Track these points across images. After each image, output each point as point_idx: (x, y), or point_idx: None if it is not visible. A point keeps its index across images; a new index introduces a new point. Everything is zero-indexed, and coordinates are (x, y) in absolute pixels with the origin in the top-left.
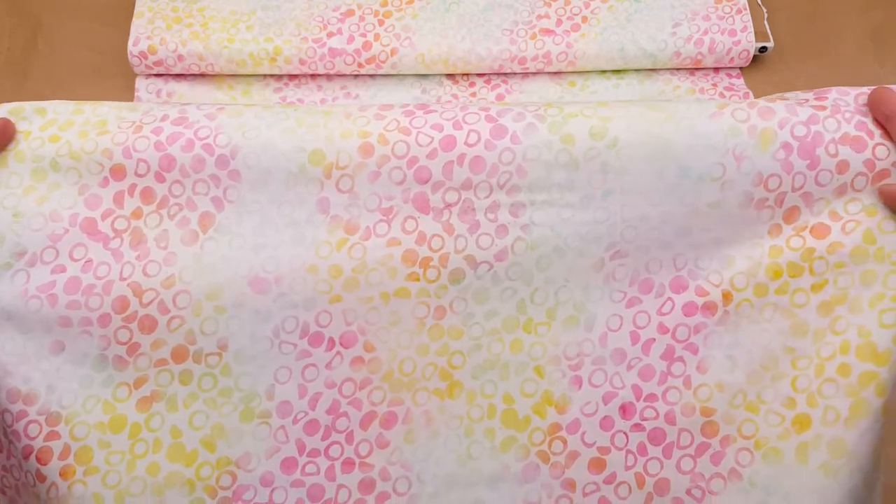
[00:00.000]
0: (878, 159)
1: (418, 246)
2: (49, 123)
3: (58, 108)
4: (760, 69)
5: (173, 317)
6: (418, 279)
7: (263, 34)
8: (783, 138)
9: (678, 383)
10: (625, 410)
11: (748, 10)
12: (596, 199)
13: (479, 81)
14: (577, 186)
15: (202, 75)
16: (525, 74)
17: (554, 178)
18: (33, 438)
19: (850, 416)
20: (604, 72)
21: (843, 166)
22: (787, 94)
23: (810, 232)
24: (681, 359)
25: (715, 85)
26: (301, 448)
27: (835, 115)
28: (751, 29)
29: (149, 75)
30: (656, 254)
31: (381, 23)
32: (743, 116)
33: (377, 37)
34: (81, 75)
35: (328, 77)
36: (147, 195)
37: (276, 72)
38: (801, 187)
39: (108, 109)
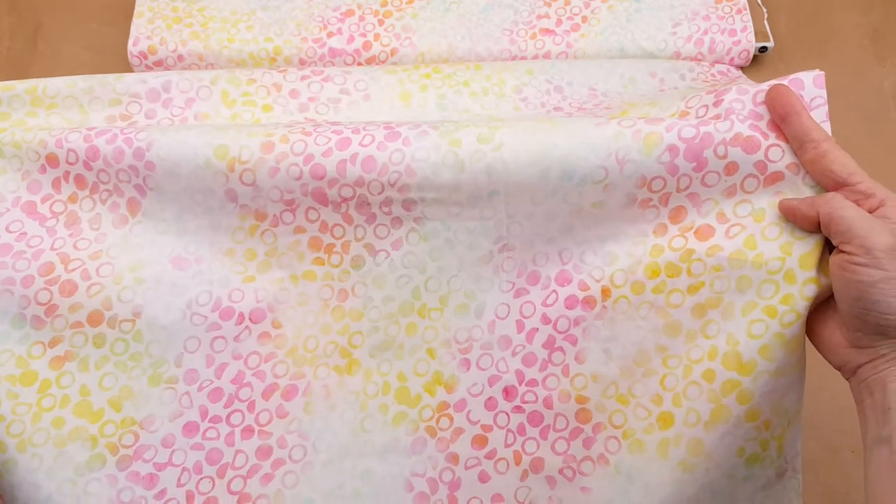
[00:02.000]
0: (771, 161)
1: (322, 234)
2: None
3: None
4: (760, 69)
5: (93, 283)
6: (323, 263)
7: (263, 34)
8: (669, 141)
9: (557, 371)
10: (507, 393)
11: (748, 10)
12: (482, 198)
13: None
14: (464, 186)
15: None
16: None
17: (441, 178)
18: None
19: (710, 420)
20: None
21: (731, 168)
22: (691, 100)
23: (694, 233)
24: (561, 349)
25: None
26: (203, 414)
27: (729, 116)
28: (751, 29)
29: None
30: (542, 248)
31: (381, 23)
32: (629, 123)
33: (377, 37)
34: (81, 75)
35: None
36: (80, 181)
37: None
38: (687, 188)
39: (51, 97)
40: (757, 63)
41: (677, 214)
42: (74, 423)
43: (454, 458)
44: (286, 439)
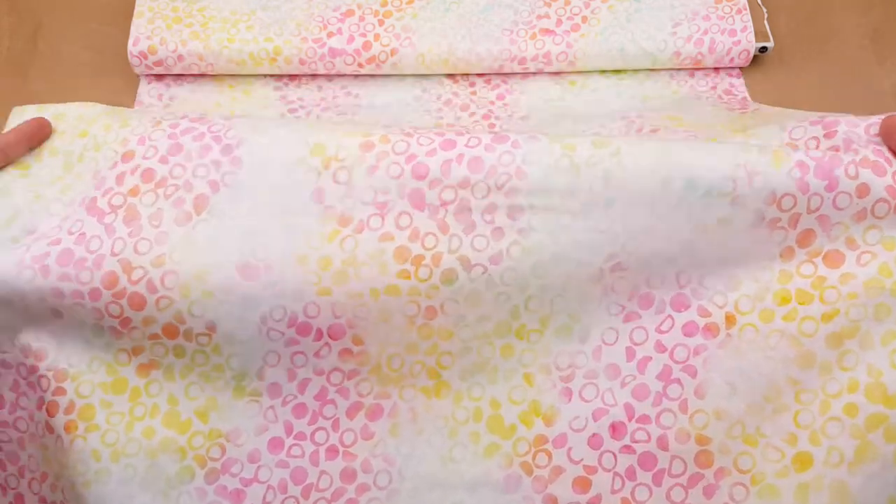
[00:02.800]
0: None
1: (411, 243)
2: (80, 120)
3: (92, 111)
4: (760, 69)
5: (161, 296)
6: (409, 277)
7: (263, 34)
8: (798, 157)
9: (674, 406)
10: (615, 430)
11: (748, 10)
12: (598, 206)
13: (479, 81)
14: (578, 193)
15: (202, 76)
16: (525, 74)
17: (554, 182)
18: (44, 391)
19: (855, 460)
20: (604, 72)
21: (863, 190)
22: (795, 133)
23: (823, 259)
24: (678, 381)
25: (714, 87)
26: (288, 429)
27: (850, 145)
28: (751, 29)
29: (149, 77)
30: (659, 268)
31: (381, 23)
32: (759, 131)
33: (377, 37)
34: (81, 75)
35: (328, 77)
36: (147, 175)
37: (276, 72)
38: (818, 209)
39: (133, 112)
40: (757, 63)
41: (806, 238)
42: (164, 434)
43: (552, 501)
44: (371, 463)
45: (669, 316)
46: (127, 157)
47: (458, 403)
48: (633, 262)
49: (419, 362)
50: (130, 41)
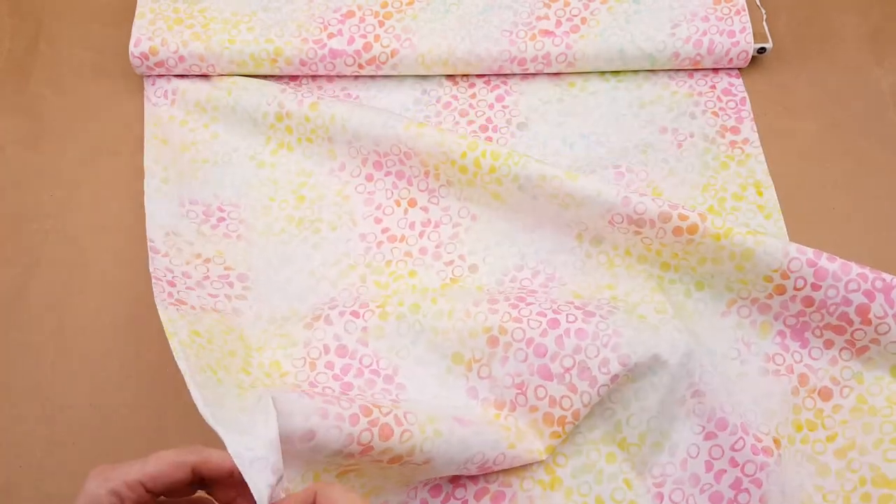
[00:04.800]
0: (857, 340)
1: (552, 408)
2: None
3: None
4: (759, 70)
5: (405, 430)
6: (559, 437)
7: (264, 35)
8: (778, 328)
9: None
10: None
11: (747, 11)
12: (677, 360)
13: (479, 82)
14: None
15: (203, 76)
16: (524, 75)
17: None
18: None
19: None
20: (603, 73)
21: (828, 344)
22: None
23: (819, 394)
24: (747, 490)
25: (714, 86)
26: None
27: (820, 310)
28: (750, 30)
29: (152, 76)
30: (727, 398)
31: (381, 24)
32: (746, 313)
33: (377, 38)
34: (83, 76)
35: (328, 78)
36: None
37: (277, 73)
38: (801, 361)
39: (273, 351)
40: (756, 64)
41: (803, 379)
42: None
43: None
44: None
45: (741, 437)
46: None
47: (568, 497)
48: (707, 390)
49: (540, 461)
50: (132, 42)
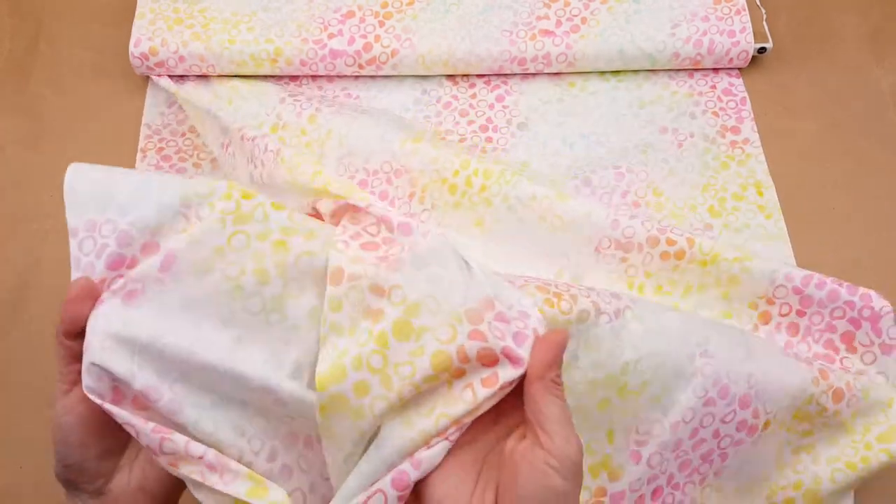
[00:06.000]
0: (849, 368)
1: (553, 287)
2: None
3: None
4: (759, 70)
5: None
6: (553, 306)
7: (264, 35)
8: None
9: (696, 479)
10: (655, 493)
11: (747, 11)
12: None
13: (479, 82)
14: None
15: (203, 76)
16: (525, 75)
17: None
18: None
19: None
20: (603, 73)
21: (824, 375)
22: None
23: (833, 394)
24: (711, 461)
25: (714, 86)
26: None
27: (806, 338)
28: (750, 30)
29: (154, 77)
30: (736, 367)
31: (381, 24)
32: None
33: (377, 38)
34: (83, 76)
35: (329, 78)
36: None
37: (277, 73)
38: (814, 364)
39: None
40: (756, 64)
41: (823, 374)
42: None
43: None
44: None
45: (734, 410)
46: None
47: None
48: (718, 352)
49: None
50: (132, 42)
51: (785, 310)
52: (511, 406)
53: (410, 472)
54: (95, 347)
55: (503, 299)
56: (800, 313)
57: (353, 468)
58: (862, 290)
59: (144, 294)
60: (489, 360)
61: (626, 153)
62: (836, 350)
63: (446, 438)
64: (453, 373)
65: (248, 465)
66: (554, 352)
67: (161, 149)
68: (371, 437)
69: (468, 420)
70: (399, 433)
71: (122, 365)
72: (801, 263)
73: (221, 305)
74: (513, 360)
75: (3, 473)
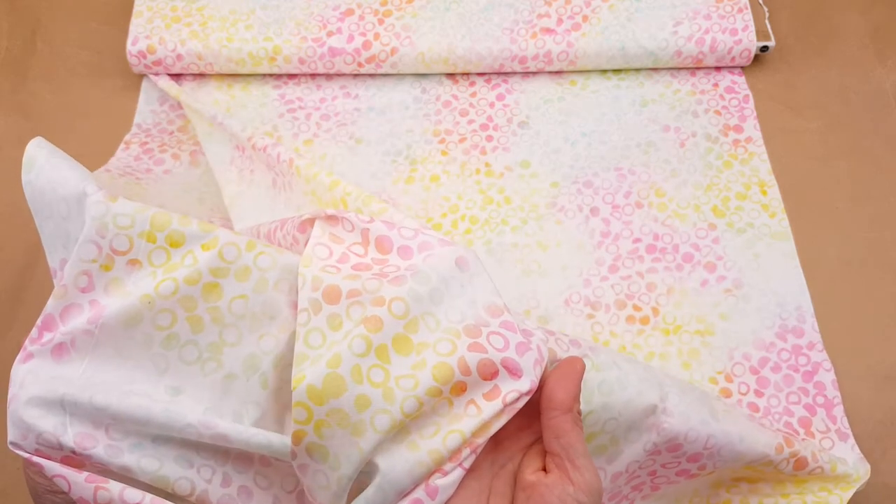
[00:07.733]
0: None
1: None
2: None
3: None
4: (762, 68)
5: None
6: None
7: (263, 33)
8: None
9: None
10: None
11: (749, 9)
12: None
13: (480, 81)
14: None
15: (201, 75)
16: (525, 73)
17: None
18: None
19: None
20: (604, 71)
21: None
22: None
23: (796, 462)
24: (640, 489)
25: (716, 85)
26: None
27: (766, 416)
28: (752, 28)
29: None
30: (695, 426)
31: (380, 22)
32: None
33: (377, 36)
34: (80, 75)
35: (328, 76)
36: None
37: (276, 71)
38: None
39: None
40: (758, 62)
41: (788, 441)
42: None
43: None
44: None
45: (679, 461)
46: None
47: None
48: (677, 412)
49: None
50: (129, 41)
51: (744, 389)
52: (510, 430)
53: (426, 500)
54: (21, 404)
55: (510, 311)
56: (758, 393)
57: (346, 488)
58: (816, 377)
59: (75, 348)
60: (489, 371)
61: (628, 152)
62: (796, 433)
63: (460, 465)
64: (454, 389)
65: (203, 493)
66: (578, 383)
67: (145, 143)
68: (364, 469)
69: (482, 441)
70: (405, 457)
71: (51, 421)
72: (804, 262)
73: (156, 356)
74: (511, 371)
75: (4, 473)
